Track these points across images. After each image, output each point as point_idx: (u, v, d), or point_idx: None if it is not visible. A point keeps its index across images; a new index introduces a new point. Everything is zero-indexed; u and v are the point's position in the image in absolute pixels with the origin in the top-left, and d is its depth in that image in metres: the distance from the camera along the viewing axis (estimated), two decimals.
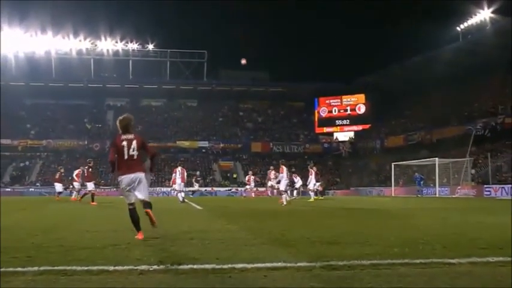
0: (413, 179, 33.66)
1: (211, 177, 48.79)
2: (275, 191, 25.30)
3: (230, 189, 44.45)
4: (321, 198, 21.96)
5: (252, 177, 29.83)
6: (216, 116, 59.23)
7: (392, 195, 34.47)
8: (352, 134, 55.18)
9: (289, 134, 56.57)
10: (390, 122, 50.93)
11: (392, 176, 36.40)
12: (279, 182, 17.96)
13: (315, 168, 21.55)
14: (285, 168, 16.54)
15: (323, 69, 62.16)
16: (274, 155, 50.73)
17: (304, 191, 26.15)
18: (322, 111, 56.17)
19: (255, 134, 56.48)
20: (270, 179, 24.96)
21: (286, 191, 16.64)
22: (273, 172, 23.94)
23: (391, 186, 36.65)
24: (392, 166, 36.37)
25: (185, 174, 19.75)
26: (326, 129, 56.15)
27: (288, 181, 16.46)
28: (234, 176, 49.35)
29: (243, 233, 6.45)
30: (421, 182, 32.78)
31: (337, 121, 55.45)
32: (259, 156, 51.30)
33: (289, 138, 55.80)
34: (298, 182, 23.77)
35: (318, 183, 21.70)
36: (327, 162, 52.22)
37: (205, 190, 42.59)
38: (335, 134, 55.89)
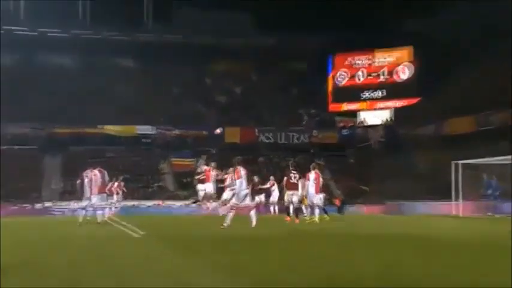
0: (483, 187, 34.56)
1: (158, 184, 48.70)
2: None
3: (194, 202, 43.22)
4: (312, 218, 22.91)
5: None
6: (167, 85, 58.93)
7: (461, 214, 33.86)
8: (389, 114, 55.45)
9: (285, 114, 56.47)
10: (452, 95, 50.72)
11: (460, 182, 34.92)
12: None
13: (316, 170, 22.76)
14: (242, 171, 17.76)
15: (341, 11, 60.44)
16: (261, 148, 51.51)
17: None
18: (340, 77, 56.52)
19: (230, 114, 55.90)
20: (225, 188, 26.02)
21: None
22: (228, 177, 24.07)
23: (454, 199, 35.61)
24: (454, 166, 34.88)
25: (105, 179, 22.49)
26: (346, 106, 56.90)
27: (235, 190, 17.68)
28: None
29: (208, 276, 7.12)
30: (496, 193, 33.15)
31: (364, 93, 55.80)
32: (238, 149, 49.21)
33: (286, 121, 56.12)
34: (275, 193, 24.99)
35: (322, 195, 22.75)
36: (348, 160, 53.02)
37: (149, 206, 43.19)
38: (361, 114, 56.69)
